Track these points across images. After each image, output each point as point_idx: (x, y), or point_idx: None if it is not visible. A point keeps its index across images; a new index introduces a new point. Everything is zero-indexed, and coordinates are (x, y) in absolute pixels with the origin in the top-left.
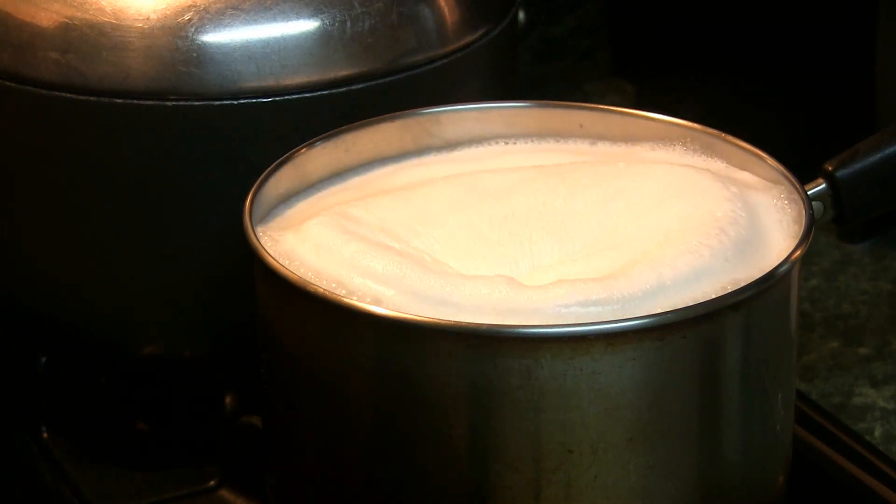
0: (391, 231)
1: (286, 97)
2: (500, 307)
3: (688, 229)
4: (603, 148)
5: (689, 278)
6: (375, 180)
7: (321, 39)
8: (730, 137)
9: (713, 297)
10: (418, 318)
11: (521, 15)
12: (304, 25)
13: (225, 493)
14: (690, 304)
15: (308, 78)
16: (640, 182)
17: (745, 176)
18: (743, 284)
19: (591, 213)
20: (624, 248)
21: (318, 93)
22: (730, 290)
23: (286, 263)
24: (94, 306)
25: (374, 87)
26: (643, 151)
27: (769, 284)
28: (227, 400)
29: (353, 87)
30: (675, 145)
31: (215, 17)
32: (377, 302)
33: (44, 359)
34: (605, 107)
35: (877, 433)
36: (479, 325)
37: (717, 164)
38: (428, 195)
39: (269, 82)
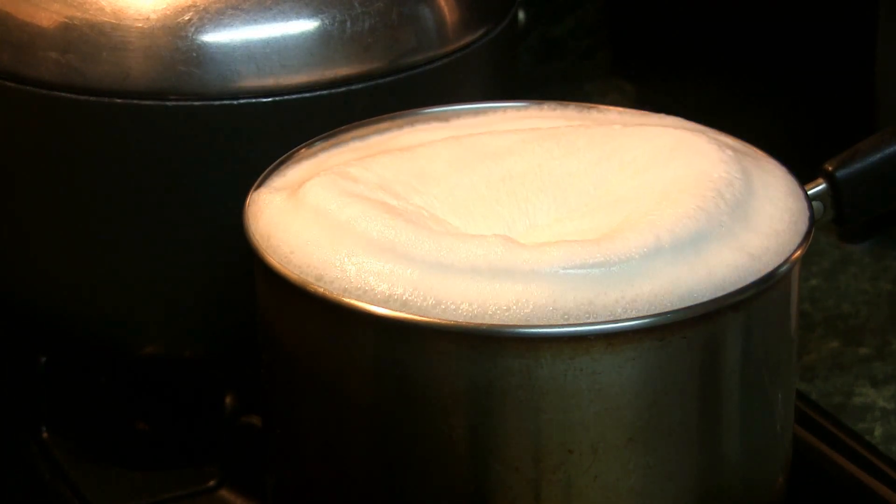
0: (390, 189)
1: (286, 97)
2: (497, 268)
3: (684, 190)
4: (599, 115)
5: (686, 243)
6: (375, 144)
7: (321, 39)
8: (730, 137)
9: (713, 272)
10: (418, 318)
11: (521, 15)
12: (304, 25)
13: (225, 493)
14: (687, 268)
15: (308, 78)
16: (634, 143)
17: (738, 145)
18: (739, 247)
19: (586, 174)
20: (619, 206)
21: (318, 93)
22: (727, 252)
23: (281, 234)
24: (94, 306)
25: (374, 87)
26: (639, 117)
27: (769, 284)
28: (227, 400)
29: (353, 87)
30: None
31: (215, 17)
32: (372, 274)
33: (44, 359)
34: (605, 107)
35: (877, 433)
36: (479, 325)
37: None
38: (427, 155)
39: (269, 82)
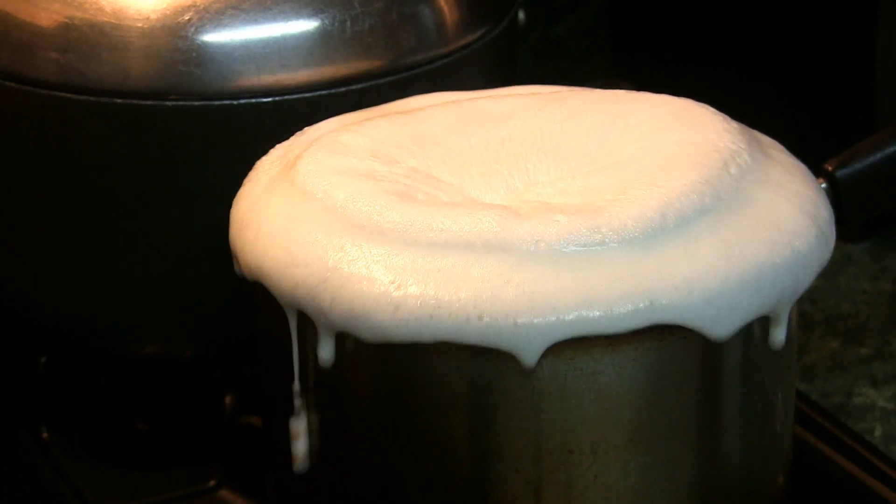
0: (383, 153)
1: (286, 97)
2: (492, 244)
3: (688, 158)
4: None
5: (690, 219)
6: (375, 108)
7: (321, 39)
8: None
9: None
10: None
11: (521, 15)
12: (304, 25)
13: (225, 493)
14: (688, 249)
15: (308, 78)
16: (638, 108)
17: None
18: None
19: (588, 136)
20: (622, 168)
21: (318, 93)
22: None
23: (274, 226)
24: (94, 306)
25: (374, 87)
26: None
27: None
28: (227, 400)
29: (353, 87)
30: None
31: (215, 17)
32: (366, 266)
33: (44, 359)
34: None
35: (877, 433)
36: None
37: None
38: (426, 118)
39: (269, 82)
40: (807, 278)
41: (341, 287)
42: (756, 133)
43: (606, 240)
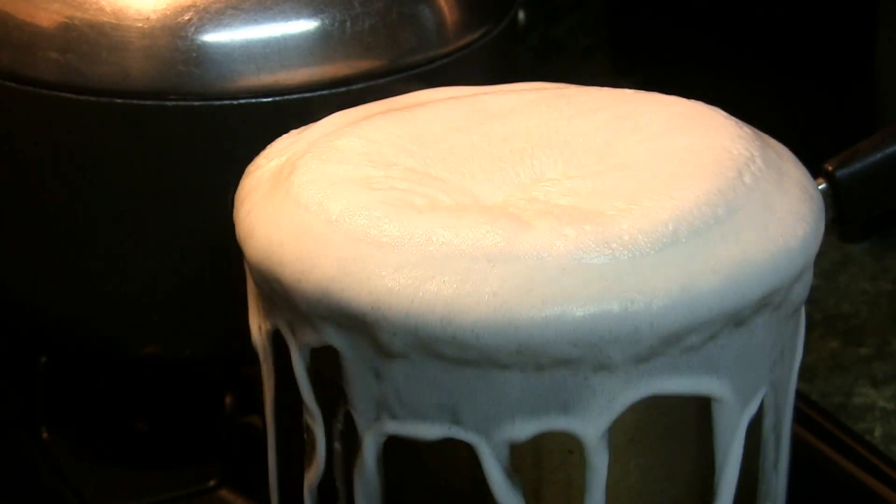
0: (380, 156)
1: (286, 97)
2: (496, 257)
3: (702, 164)
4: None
5: (701, 231)
6: (376, 104)
7: (321, 39)
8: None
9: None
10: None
11: (521, 15)
12: (304, 25)
13: (225, 493)
14: (699, 261)
15: (308, 78)
16: (648, 108)
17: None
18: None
19: (597, 133)
20: (633, 170)
21: (318, 93)
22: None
23: (274, 230)
24: (93, 306)
25: (374, 87)
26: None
27: None
28: (227, 400)
29: (353, 87)
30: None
31: (215, 17)
32: (368, 278)
33: (44, 359)
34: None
35: (877, 433)
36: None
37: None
38: (426, 115)
39: (269, 82)
40: (805, 284)
41: (343, 302)
42: (763, 135)
43: (616, 255)
